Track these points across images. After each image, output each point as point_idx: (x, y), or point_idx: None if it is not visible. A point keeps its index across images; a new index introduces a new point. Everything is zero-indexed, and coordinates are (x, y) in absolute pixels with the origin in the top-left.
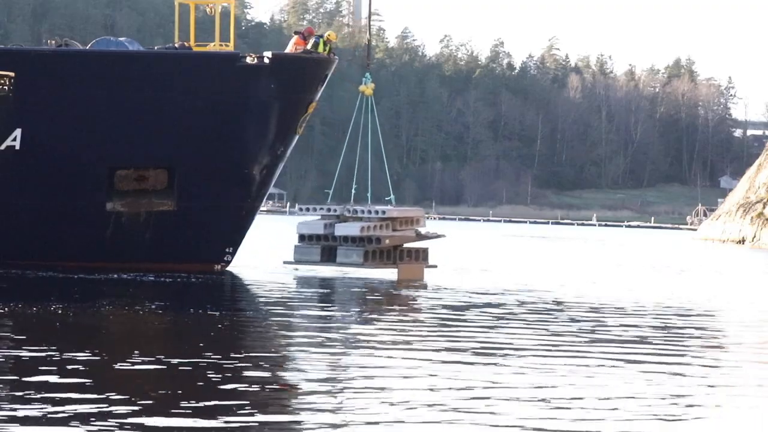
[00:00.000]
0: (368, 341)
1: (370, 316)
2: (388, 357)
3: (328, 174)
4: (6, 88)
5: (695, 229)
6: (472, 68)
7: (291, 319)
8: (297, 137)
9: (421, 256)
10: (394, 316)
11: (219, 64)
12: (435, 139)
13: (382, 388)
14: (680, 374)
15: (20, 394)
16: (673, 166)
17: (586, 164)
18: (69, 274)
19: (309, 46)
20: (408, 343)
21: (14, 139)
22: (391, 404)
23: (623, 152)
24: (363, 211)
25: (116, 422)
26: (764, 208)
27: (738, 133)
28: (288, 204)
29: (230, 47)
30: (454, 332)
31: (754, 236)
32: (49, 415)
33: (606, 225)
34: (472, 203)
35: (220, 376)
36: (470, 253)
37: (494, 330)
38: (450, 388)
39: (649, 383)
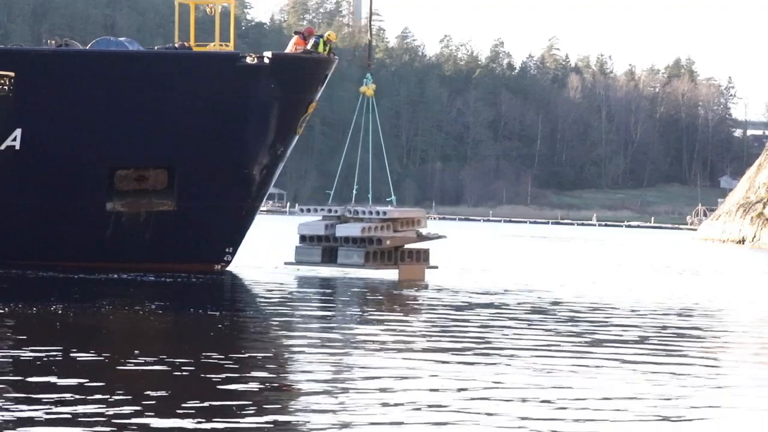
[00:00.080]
0: (369, 341)
1: (371, 317)
2: (389, 357)
3: (328, 174)
4: (6, 88)
5: (695, 229)
6: (472, 68)
7: (291, 320)
8: (297, 137)
9: (422, 256)
10: (395, 316)
11: (219, 64)
12: (435, 139)
13: (383, 389)
14: (680, 374)
15: (20, 395)
16: (673, 166)
17: (586, 164)
18: (69, 274)
19: (309, 46)
20: (409, 343)
21: (14, 139)
22: (392, 405)
23: (623, 152)
24: (364, 212)
25: (116, 422)
26: (764, 208)
27: (738, 133)
28: (288, 204)
29: (230, 47)
30: (454, 332)
31: (754, 236)
32: (48, 416)
33: (606, 225)
34: (472, 203)
35: (220, 376)
36: (471, 253)
37: (495, 330)
38: (451, 389)
39: (649, 384)
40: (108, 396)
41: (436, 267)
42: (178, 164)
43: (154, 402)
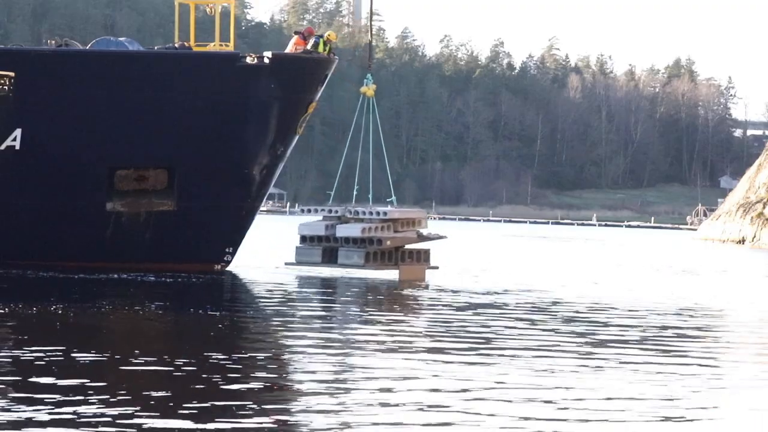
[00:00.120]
0: (369, 342)
1: (372, 317)
2: (390, 358)
3: (328, 174)
4: (6, 88)
5: (695, 229)
6: (472, 68)
7: (292, 320)
8: (297, 137)
9: (423, 257)
10: (396, 316)
11: (219, 64)
12: (435, 139)
13: (384, 389)
14: (681, 375)
15: (21, 395)
16: (673, 166)
17: (586, 164)
18: (69, 274)
19: (309, 46)
20: (409, 343)
21: (14, 139)
22: (393, 405)
23: (623, 152)
24: (364, 213)
25: (116, 423)
26: (764, 208)
27: (738, 133)
28: (288, 204)
29: (230, 47)
30: (455, 333)
31: (754, 236)
32: (49, 416)
33: (606, 225)
34: (472, 203)
35: (220, 376)
36: (471, 253)
37: (495, 330)
38: (452, 389)
39: (650, 384)
40: (108, 396)
41: (437, 267)
42: (178, 164)
43: (154, 402)
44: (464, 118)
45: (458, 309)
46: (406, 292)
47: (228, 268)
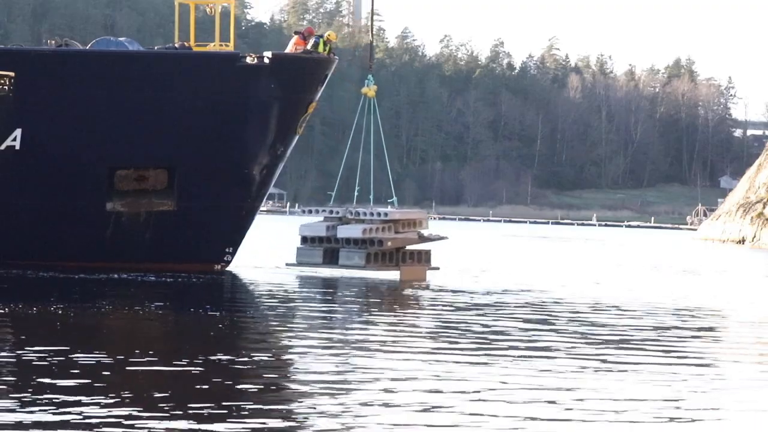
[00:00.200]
0: (370, 342)
1: (372, 317)
2: (390, 359)
3: (328, 174)
4: (6, 88)
5: (695, 229)
6: (472, 68)
7: (292, 320)
8: (297, 137)
9: (424, 258)
10: (396, 316)
11: (219, 64)
12: (435, 139)
13: (385, 389)
14: (680, 375)
15: (21, 395)
16: (673, 166)
17: (586, 164)
18: (69, 274)
19: (309, 46)
20: (410, 344)
21: (14, 139)
22: (394, 406)
23: (623, 152)
24: (365, 213)
25: (116, 423)
26: (764, 208)
27: (738, 133)
28: (288, 204)
29: (230, 47)
30: (456, 333)
31: (754, 236)
32: (49, 416)
33: (606, 225)
34: (472, 203)
35: (220, 377)
36: (471, 253)
37: (496, 331)
38: (453, 390)
39: (650, 384)
40: (108, 396)
41: (438, 268)
42: (178, 164)
43: (154, 402)
44: (464, 118)
45: (459, 309)
46: (406, 292)
47: (228, 268)
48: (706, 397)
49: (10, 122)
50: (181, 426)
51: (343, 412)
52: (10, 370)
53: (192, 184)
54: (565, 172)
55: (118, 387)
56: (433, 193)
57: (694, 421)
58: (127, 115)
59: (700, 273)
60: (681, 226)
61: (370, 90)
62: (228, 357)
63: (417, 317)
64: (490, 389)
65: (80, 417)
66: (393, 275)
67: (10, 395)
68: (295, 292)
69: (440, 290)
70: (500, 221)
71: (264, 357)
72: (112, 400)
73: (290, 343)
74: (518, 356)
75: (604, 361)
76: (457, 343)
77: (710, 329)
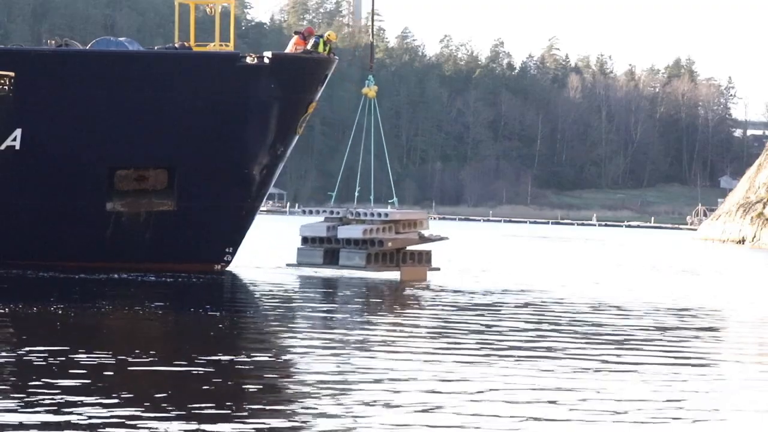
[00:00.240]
0: (371, 342)
1: (373, 317)
2: (391, 359)
3: (328, 174)
4: (6, 88)
5: (695, 229)
6: (472, 68)
7: (292, 320)
8: (297, 137)
9: (424, 258)
10: (396, 317)
11: (219, 64)
12: (435, 139)
13: (385, 390)
14: (681, 375)
15: (21, 395)
16: (673, 166)
17: (586, 164)
18: (69, 274)
19: (309, 46)
20: (410, 344)
21: (14, 139)
22: (395, 406)
23: (623, 152)
24: (366, 214)
25: (117, 423)
26: (764, 208)
27: (738, 133)
28: (288, 204)
29: (230, 47)
30: (457, 333)
31: (754, 236)
32: (48, 416)
33: (606, 225)
34: (472, 203)
35: (221, 377)
36: (471, 253)
37: (497, 331)
38: (453, 391)
39: (650, 384)
40: (108, 397)
41: (438, 269)
42: (178, 164)
43: (154, 403)
44: (464, 118)
45: (459, 309)
46: (407, 292)
47: (228, 268)
48: (706, 397)
49: (10, 122)
50: (181, 426)
51: (343, 412)
52: (11, 370)
53: (192, 184)
54: (565, 172)
55: (119, 387)
56: (433, 193)
57: (694, 421)
58: (127, 115)
59: (700, 273)
60: (681, 226)
61: (370, 90)
62: (228, 357)
63: (417, 317)
64: (491, 389)
65: (80, 417)
66: (393, 276)
67: (11, 395)
68: (295, 292)
69: (441, 290)
70: (500, 221)
71: (264, 357)
72: (112, 400)
73: (291, 344)
74: (519, 356)
75: (604, 361)
76: (457, 343)
77: (710, 329)
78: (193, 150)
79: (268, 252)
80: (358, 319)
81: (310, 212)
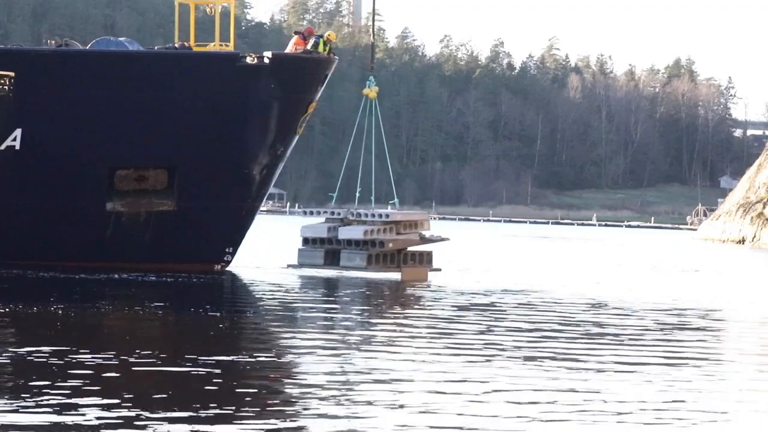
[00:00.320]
0: (371, 343)
1: (373, 317)
2: (392, 359)
3: (329, 174)
4: (6, 88)
5: (695, 229)
6: (472, 68)
7: (292, 321)
8: (297, 137)
9: (425, 259)
10: (397, 317)
11: (219, 64)
12: (435, 139)
13: (386, 390)
14: (681, 375)
15: (20, 395)
16: (673, 166)
17: (586, 164)
18: (69, 274)
19: (309, 46)
20: (411, 344)
21: (14, 139)
22: (396, 407)
23: (623, 152)
24: (366, 215)
25: (116, 423)
26: (764, 208)
27: (738, 133)
28: (288, 204)
29: (230, 47)
30: (457, 333)
31: (754, 236)
32: (48, 416)
33: (606, 225)
34: (472, 203)
35: (221, 377)
36: (472, 253)
37: (497, 331)
38: (454, 391)
39: (650, 384)
40: (108, 397)
41: (439, 269)
42: (178, 164)
43: (154, 403)
44: (464, 118)
45: (460, 309)
46: (407, 292)
47: (228, 268)
48: (706, 397)
49: (10, 122)
50: (181, 427)
51: (345, 413)
52: (10, 370)
53: (192, 184)
54: (565, 172)
55: (119, 387)
56: (433, 193)
57: (693, 422)
58: (127, 115)
59: (699, 273)
60: (681, 226)
61: (371, 91)
62: (229, 357)
63: (418, 318)
64: (492, 390)
65: (81, 417)
66: (394, 276)
67: (11, 395)
68: (295, 292)
69: (441, 290)
70: (500, 221)
71: (264, 357)
72: (112, 401)
73: (291, 344)
74: (520, 357)
75: (605, 361)
76: (458, 343)
77: (710, 329)
78: (193, 150)
79: (269, 252)
80: (359, 320)
81: (311, 213)
